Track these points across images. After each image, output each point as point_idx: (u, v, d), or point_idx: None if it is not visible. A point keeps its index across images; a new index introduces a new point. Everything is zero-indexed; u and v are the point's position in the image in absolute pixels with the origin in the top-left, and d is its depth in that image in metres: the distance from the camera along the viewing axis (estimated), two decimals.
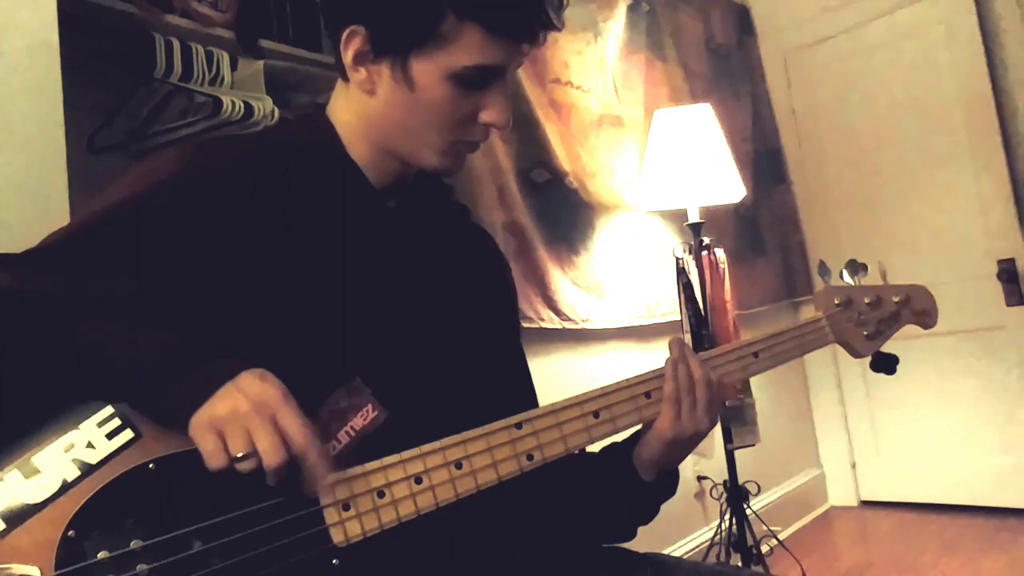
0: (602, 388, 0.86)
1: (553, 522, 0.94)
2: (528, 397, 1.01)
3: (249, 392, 0.67)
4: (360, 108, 0.88)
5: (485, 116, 0.85)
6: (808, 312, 1.05)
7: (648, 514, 0.97)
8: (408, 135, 0.86)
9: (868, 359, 1.05)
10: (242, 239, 0.80)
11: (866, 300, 1.04)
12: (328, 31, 0.94)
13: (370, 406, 0.71)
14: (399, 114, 0.85)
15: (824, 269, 1.06)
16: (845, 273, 1.05)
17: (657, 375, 0.89)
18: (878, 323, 1.04)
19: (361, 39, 0.83)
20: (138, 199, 0.79)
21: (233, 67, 1.57)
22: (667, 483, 0.95)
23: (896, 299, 1.05)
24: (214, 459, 0.65)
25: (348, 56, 0.85)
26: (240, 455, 0.65)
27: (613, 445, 0.95)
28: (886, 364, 1.04)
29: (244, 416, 0.65)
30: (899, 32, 3.22)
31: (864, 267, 1.05)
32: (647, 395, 0.88)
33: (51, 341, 0.69)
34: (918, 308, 1.07)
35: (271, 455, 0.65)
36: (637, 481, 0.93)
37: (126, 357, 0.68)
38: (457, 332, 0.91)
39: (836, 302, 1.02)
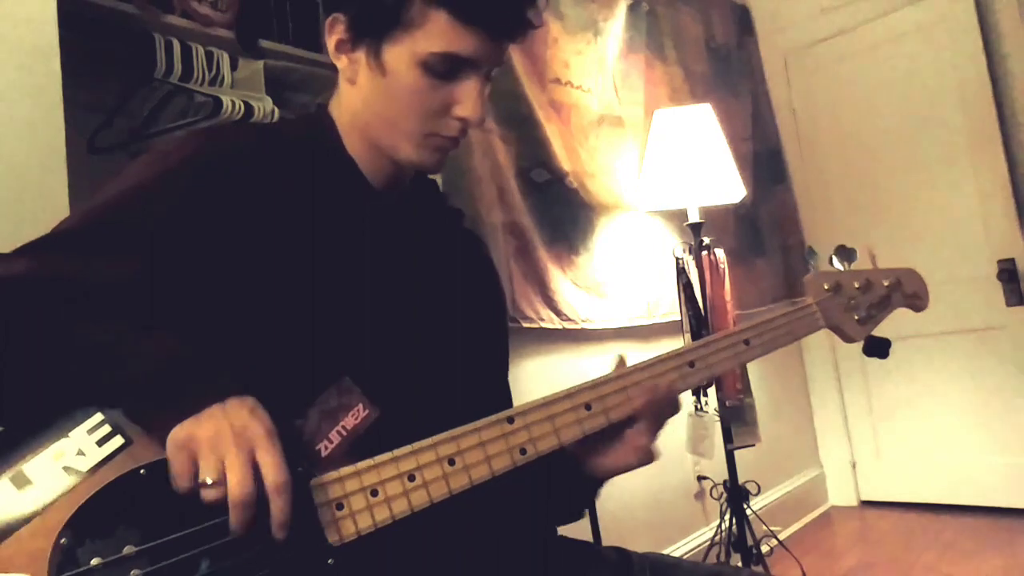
0: (593, 380, 0.85)
1: (535, 509, 0.93)
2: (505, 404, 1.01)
3: (234, 420, 0.66)
4: (348, 101, 0.90)
5: (457, 110, 0.84)
6: None
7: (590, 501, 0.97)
8: (385, 125, 0.87)
9: (860, 344, 1.04)
10: (246, 227, 0.80)
11: (856, 284, 1.02)
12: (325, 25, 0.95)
13: (361, 405, 0.71)
14: (376, 103, 0.86)
15: (812, 254, 1.04)
16: (834, 258, 1.04)
17: (649, 365, 0.88)
18: (869, 307, 1.03)
19: (343, 27, 0.86)
20: (151, 183, 0.79)
21: (233, 67, 1.58)
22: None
23: (886, 283, 1.04)
24: (181, 481, 0.64)
25: (331, 44, 0.87)
26: (208, 482, 0.64)
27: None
28: (878, 348, 1.03)
29: (222, 443, 0.64)
30: (899, 32, 3.22)
31: (853, 252, 1.04)
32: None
33: (53, 342, 0.69)
34: (909, 291, 1.06)
35: (238, 488, 0.63)
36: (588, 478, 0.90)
37: (127, 363, 0.68)
38: (446, 332, 0.91)
39: (826, 287, 1.01)
